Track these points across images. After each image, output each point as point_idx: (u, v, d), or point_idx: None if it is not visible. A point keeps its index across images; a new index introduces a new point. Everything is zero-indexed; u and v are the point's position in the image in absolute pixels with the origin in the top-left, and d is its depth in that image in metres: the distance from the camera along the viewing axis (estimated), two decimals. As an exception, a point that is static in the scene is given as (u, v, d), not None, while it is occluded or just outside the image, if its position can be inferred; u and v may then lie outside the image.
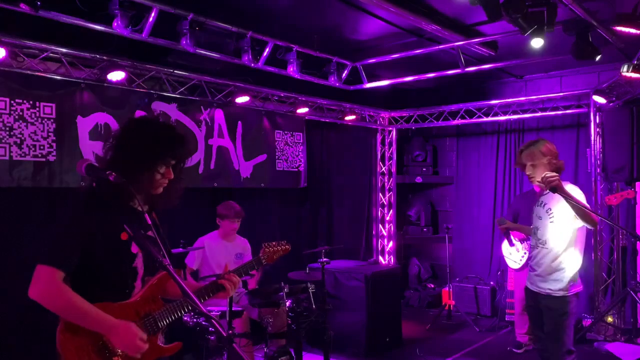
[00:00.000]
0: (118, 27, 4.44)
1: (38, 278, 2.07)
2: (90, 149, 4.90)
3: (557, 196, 3.55)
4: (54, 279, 2.06)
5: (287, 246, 2.78)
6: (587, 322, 6.35)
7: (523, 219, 5.30)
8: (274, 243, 2.75)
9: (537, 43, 4.68)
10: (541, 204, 3.82)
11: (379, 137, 8.68)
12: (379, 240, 8.70)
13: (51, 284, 2.06)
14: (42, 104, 4.68)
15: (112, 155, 2.24)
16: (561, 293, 3.63)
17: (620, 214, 6.58)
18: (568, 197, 3.31)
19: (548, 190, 3.42)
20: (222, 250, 5.06)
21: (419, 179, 8.47)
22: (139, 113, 5.17)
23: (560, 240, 3.65)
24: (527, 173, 3.81)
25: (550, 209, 3.71)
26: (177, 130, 2.35)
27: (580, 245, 3.70)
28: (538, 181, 3.62)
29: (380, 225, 8.71)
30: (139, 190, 2.21)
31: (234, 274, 2.47)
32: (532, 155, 3.74)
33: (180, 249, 4.46)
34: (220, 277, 2.46)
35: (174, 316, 2.27)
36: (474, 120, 7.73)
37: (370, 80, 6.97)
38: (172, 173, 2.31)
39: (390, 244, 8.66)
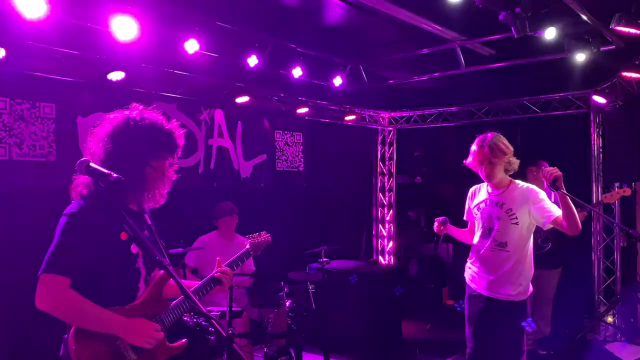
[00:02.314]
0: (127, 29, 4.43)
1: (44, 288, 2.00)
2: (88, 147, 4.91)
3: (516, 196, 3.53)
4: (61, 288, 2.00)
5: (267, 236, 2.98)
6: (587, 322, 6.35)
7: None
8: (255, 235, 2.95)
9: (550, 33, 4.54)
10: (498, 203, 3.60)
11: (379, 137, 8.68)
12: (379, 240, 8.70)
13: (59, 293, 2.00)
14: (42, 104, 4.69)
15: (102, 155, 2.19)
16: (522, 297, 3.55)
17: (620, 213, 6.57)
18: (570, 199, 3.20)
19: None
20: (222, 249, 5.05)
21: (418, 179, 8.47)
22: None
23: (521, 242, 3.54)
24: (485, 171, 3.59)
25: (512, 210, 3.53)
26: (165, 123, 2.30)
27: (531, 246, 3.63)
28: (496, 181, 3.59)
29: (380, 225, 8.70)
30: (136, 189, 2.18)
31: (228, 267, 2.57)
32: (493, 153, 3.54)
33: (180, 249, 4.46)
34: (215, 271, 2.51)
35: (178, 314, 2.29)
36: (474, 120, 7.72)
37: (370, 81, 6.97)
38: (166, 167, 2.28)
39: (390, 244, 8.66)
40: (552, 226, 3.47)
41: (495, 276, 3.56)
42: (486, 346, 3.69)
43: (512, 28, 4.25)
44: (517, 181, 3.65)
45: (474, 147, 3.67)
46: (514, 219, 3.52)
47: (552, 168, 3.23)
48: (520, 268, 3.53)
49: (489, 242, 3.61)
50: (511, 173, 3.66)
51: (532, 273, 3.62)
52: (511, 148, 3.61)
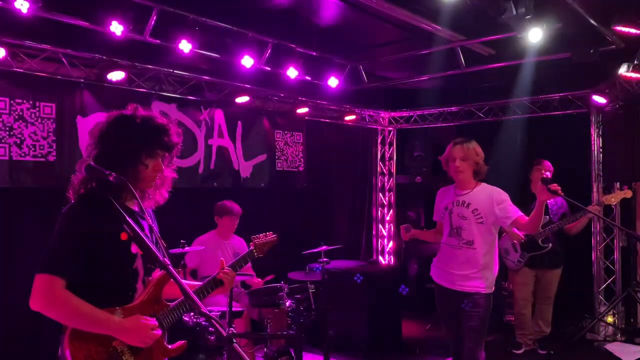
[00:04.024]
0: (118, 28, 4.45)
1: (38, 288, 1.99)
2: (85, 147, 4.91)
3: (481, 196, 3.73)
4: (55, 288, 1.99)
5: (274, 237, 2.84)
6: (587, 322, 6.35)
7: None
8: (261, 235, 2.82)
9: (535, 35, 4.60)
10: (464, 203, 3.79)
11: (379, 137, 8.68)
12: (379, 240, 8.70)
13: (53, 293, 1.99)
14: (42, 104, 4.68)
15: (97, 153, 2.17)
16: (488, 290, 3.74)
17: (620, 214, 6.57)
18: (573, 204, 3.37)
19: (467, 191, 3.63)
20: (220, 249, 5.07)
21: (419, 179, 8.47)
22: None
23: (487, 240, 3.74)
24: (457, 165, 3.76)
25: (477, 210, 3.72)
26: (158, 119, 2.26)
27: (497, 241, 3.85)
28: (462, 177, 3.76)
29: (380, 225, 8.71)
30: (135, 189, 2.14)
31: (230, 268, 2.51)
32: (466, 151, 3.76)
33: (180, 249, 4.45)
34: (217, 273, 2.47)
35: (177, 316, 2.26)
36: (473, 120, 7.72)
37: (370, 81, 6.96)
38: (161, 165, 2.25)
39: (390, 244, 8.67)
40: (513, 226, 3.76)
41: (463, 272, 3.75)
42: (462, 337, 3.83)
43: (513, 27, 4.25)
44: (483, 183, 3.85)
45: (450, 144, 3.87)
46: (479, 218, 3.71)
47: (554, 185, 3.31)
48: (488, 264, 3.74)
49: (457, 240, 3.79)
50: (480, 178, 3.84)
51: (497, 269, 3.84)
52: (482, 154, 3.81)
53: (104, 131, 2.21)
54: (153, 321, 2.14)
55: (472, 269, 3.72)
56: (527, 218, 3.59)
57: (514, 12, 4.04)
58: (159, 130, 2.23)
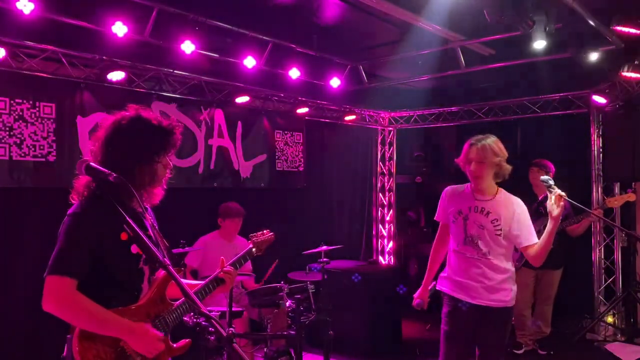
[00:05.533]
0: (122, 29, 4.45)
1: (50, 290, 2.00)
2: (90, 149, 4.91)
3: (503, 207, 3.37)
4: (67, 289, 2.00)
5: (271, 234, 2.89)
6: (587, 322, 6.35)
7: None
8: (258, 233, 2.84)
9: (539, 45, 4.67)
10: (483, 211, 3.40)
11: (379, 137, 8.68)
12: (379, 240, 8.70)
13: (65, 294, 2.00)
14: (42, 104, 4.68)
15: (107, 154, 2.19)
16: (512, 302, 3.44)
17: (620, 213, 6.57)
18: (575, 207, 3.16)
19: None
20: (222, 249, 5.05)
21: (419, 179, 8.47)
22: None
23: (503, 252, 3.40)
24: (472, 169, 3.39)
25: (497, 221, 3.35)
26: (165, 119, 2.34)
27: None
28: (482, 184, 3.40)
29: (380, 225, 8.70)
30: (140, 188, 2.18)
31: (231, 267, 2.54)
32: (483, 152, 3.36)
33: (180, 249, 4.45)
34: (218, 271, 2.49)
35: (181, 315, 2.29)
36: (473, 120, 7.72)
37: (370, 81, 6.96)
38: (170, 163, 2.30)
39: (390, 244, 8.66)
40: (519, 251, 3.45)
41: (483, 284, 3.38)
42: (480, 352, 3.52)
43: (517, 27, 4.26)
44: (504, 190, 3.48)
45: (466, 144, 3.49)
46: (498, 229, 3.36)
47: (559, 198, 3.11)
48: (507, 275, 3.41)
49: (474, 250, 3.41)
50: (500, 180, 3.48)
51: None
52: (505, 153, 3.42)
53: (117, 133, 2.24)
54: (160, 334, 2.16)
55: (493, 281, 3.36)
56: (535, 248, 3.29)
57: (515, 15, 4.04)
58: (170, 130, 2.29)
